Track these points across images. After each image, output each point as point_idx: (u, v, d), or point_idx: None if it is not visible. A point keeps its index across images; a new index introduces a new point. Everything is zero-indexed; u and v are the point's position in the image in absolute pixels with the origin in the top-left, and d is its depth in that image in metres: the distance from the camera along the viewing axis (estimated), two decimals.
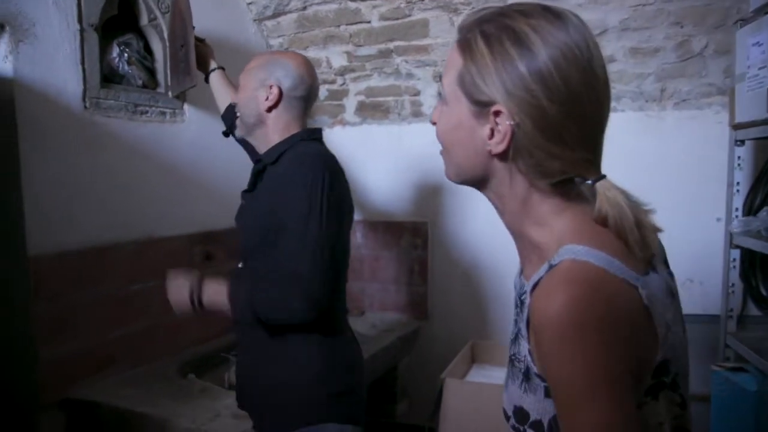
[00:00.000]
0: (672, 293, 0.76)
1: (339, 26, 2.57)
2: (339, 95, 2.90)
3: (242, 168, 2.05)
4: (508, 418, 0.82)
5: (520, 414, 0.78)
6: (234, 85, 2.06)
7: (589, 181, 0.73)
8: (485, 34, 0.72)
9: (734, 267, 2.04)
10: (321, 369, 1.42)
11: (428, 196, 2.82)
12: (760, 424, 1.87)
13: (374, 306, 2.95)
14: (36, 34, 1.71)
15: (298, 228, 1.33)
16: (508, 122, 0.71)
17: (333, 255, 1.34)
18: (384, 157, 2.90)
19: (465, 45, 0.74)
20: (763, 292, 2.18)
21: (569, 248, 0.70)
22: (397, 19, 2.46)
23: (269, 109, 1.49)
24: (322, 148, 1.51)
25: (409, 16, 2.43)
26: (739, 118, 1.95)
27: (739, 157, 2.05)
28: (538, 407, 0.75)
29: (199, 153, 2.29)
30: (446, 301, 2.83)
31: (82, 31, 1.83)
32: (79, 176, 1.85)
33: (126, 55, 2.01)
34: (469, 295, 2.77)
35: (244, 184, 1.60)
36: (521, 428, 0.78)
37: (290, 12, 2.59)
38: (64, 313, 1.79)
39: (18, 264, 1.70)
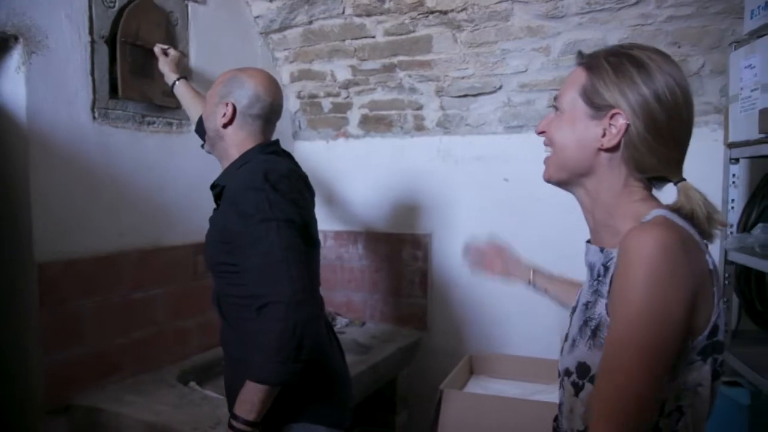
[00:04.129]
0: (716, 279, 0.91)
1: (344, 41, 2.62)
2: (343, 108, 2.94)
3: None
4: (568, 374, 0.96)
5: (583, 368, 0.93)
6: (200, 94, 2.04)
7: (673, 182, 0.94)
8: (609, 59, 0.94)
9: (729, 283, 2.06)
10: (308, 376, 1.36)
11: (430, 208, 2.85)
12: None
13: (375, 317, 2.97)
14: (48, 46, 1.75)
15: (259, 246, 1.31)
16: (624, 121, 0.90)
17: (302, 265, 1.33)
18: (386, 169, 2.93)
19: (591, 65, 0.95)
20: (758, 307, 2.21)
21: (658, 211, 0.90)
22: (402, 34, 2.50)
23: (225, 126, 1.50)
24: (269, 158, 1.48)
25: (413, 32, 2.48)
26: (733, 137, 1.98)
27: (734, 175, 2.07)
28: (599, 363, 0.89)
29: (204, 163, 2.31)
30: (446, 313, 2.86)
31: (92, 42, 1.88)
32: (86, 185, 1.88)
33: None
34: (469, 307, 2.79)
35: None
36: (581, 382, 0.93)
37: (296, 26, 2.64)
38: (69, 320, 1.82)
39: (25, 271, 1.74)
